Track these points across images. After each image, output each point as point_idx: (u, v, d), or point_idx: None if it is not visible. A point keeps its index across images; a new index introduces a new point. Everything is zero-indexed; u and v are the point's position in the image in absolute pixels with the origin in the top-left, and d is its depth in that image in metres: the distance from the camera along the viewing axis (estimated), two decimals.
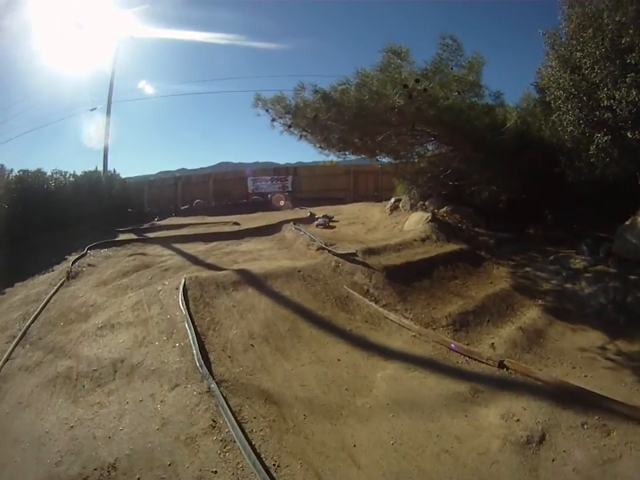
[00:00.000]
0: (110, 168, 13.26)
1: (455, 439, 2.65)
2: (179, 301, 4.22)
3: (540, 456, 2.47)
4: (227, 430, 2.53)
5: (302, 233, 7.26)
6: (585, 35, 4.97)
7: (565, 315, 4.45)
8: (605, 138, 4.83)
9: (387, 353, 3.67)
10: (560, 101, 5.44)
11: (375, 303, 4.53)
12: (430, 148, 8.35)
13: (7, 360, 3.72)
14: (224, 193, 16.14)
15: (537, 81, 7.06)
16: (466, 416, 2.87)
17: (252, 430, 2.59)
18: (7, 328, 4.43)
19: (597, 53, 4.80)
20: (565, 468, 2.38)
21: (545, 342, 3.89)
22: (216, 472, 2.29)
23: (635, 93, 4.44)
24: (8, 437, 2.71)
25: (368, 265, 5.21)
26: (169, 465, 2.35)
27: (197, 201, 15.23)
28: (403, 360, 3.56)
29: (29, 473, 2.39)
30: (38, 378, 3.39)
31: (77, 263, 6.38)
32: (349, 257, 5.43)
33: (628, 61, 4.52)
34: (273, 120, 7.30)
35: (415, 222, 7.34)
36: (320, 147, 7.82)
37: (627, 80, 4.52)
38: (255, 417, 2.70)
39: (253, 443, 2.47)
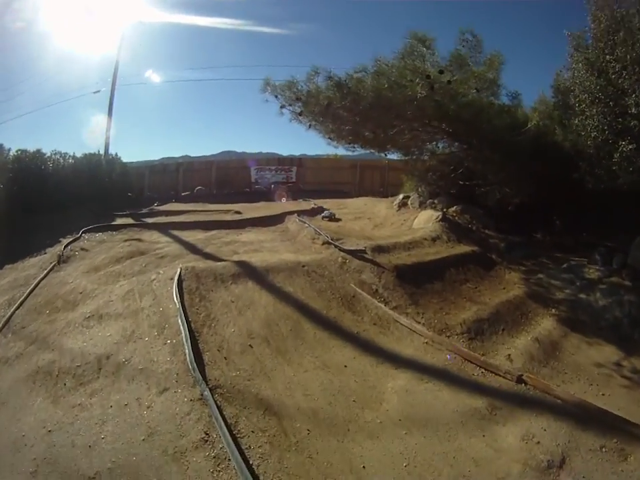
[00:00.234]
0: (112, 152, 12.95)
1: (473, 461, 2.44)
2: (172, 293, 3.92)
3: None
4: (220, 446, 2.24)
5: (306, 225, 6.97)
6: (615, 38, 4.71)
7: (580, 326, 4.29)
8: (630, 146, 4.59)
9: (398, 361, 3.41)
10: (584, 105, 5.16)
11: (385, 305, 4.25)
12: (441, 146, 8.10)
13: None
14: (226, 181, 15.80)
15: (557, 84, 6.72)
16: (484, 436, 2.66)
17: (249, 446, 2.30)
18: None
19: (628, 57, 4.54)
20: None
21: (561, 355, 3.75)
22: None
23: None
24: None
25: (377, 263, 4.91)
26: None
27: (199, 187, 14.98)
28: (415, 369, 3.29)
29: None
30: (17, 372, 3.10)
31: (69, 247, 6.06)
32: (357, 254, 5.14)
33: None
34: (282, 107, 6.95)
35: (425, 220, 7.08)
36: (329, 137, 7.57)
37: None
38: (252, 431, 2.41)
39: (251, 462, 2.18)
